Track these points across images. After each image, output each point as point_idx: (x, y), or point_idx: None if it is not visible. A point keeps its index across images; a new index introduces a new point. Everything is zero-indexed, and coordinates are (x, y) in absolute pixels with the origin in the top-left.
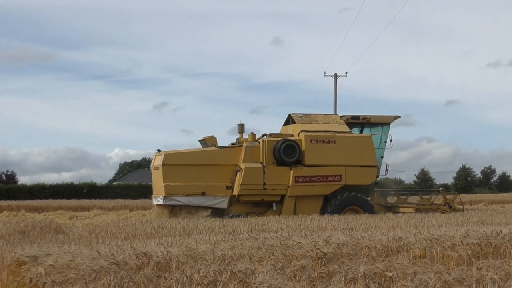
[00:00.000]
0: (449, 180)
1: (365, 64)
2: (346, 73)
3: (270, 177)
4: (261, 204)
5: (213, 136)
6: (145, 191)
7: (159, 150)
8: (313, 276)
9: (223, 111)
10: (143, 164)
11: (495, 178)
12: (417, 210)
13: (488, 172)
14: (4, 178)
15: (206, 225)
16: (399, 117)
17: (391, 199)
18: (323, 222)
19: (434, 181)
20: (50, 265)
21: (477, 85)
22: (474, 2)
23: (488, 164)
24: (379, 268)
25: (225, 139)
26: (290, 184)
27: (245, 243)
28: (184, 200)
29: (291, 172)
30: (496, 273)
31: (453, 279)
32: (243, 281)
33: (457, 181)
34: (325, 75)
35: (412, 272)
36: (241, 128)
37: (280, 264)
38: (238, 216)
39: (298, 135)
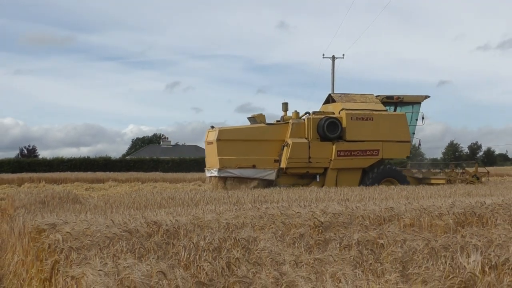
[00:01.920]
0: (438, 155)
1: (362, 47)
2: (343, 55)
3: (314, 151)
4: (305, 176)
5: (261, 113)
6: (156, 165)
7: (212, 127)
8: (310, 243)
9: (230, 91)
10: (154, 140)
11: (481, 153)
12: (448, 182)
13: (474, 148)
14: (26, 152)
15: (212, 196)
16: (429, 96)
17: (420, 172)
18: (320, 193)
19: (424, 156)
20: (67, 232)
21: (467, 67)
22: None
23: (475, 140)
24: (372, 236)
25: (234, 117)
26: (332, 158)
27: (248, 212)
28: (236, 172)
29: (334, 146)
30: (479, 240)
31: (440, 245)
32: (245, 247)
33: (446, 156)
34: (323, 57)
35: (402, 239)
36: (285, 106)
37: (280, 232)
38: (286, 186)
39: (339, 113)
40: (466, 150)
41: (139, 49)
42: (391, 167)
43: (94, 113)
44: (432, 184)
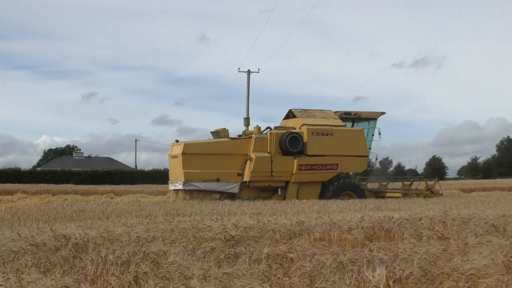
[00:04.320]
0: None
1: (278, 62)
2: (259, 69)
3: (277, 165)
4: (268, 190)
5: (225, 128)
6: (68, 177)
7: (177, 141)
8: (221, 257)
9: (147, 103)
10: (67, 151)
11: (391, 168)
12: (404, 195)
13: (385, 163)
14: None
15: (124, 209)
16: (384, 113)
17: (374, 185)
18: (233, 207)
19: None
20: None
21: (382, 84)
22: (383, 7)
23: (386, 156)
24: (282, 250)
25: (150, 129)
26: (294, 172)
27: (160, 226)
28: (201, 185)
29: (295, 161)
30: (386, 254)
31: (347, 259)
32: (155, 261)
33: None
34: (239, 71)
35: (311, 253)
36: (246, 121)
37: (191, 246)
38: (248, 199)
39: (300, 128)
40: (377, 165)
41: (54, 58)
42: (350, 181)
43: (6, 123)
44: (387, 197)
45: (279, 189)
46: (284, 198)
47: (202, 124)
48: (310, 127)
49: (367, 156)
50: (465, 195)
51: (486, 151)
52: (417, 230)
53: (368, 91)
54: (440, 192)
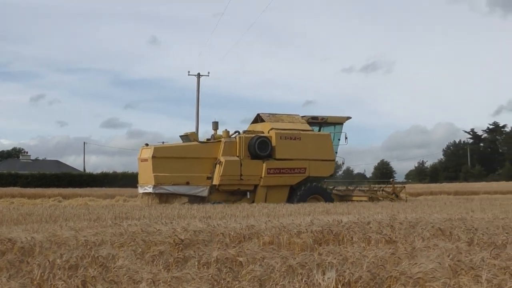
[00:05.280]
0: None
1: (229, 65)
2: (209, 73)
3: (246, 169)
4: (237, 193)
5: (194, 132)
6: (14, 180)
7: (147, 144)
8: (169, 260)
9: (97, 105)
10: (14, 154)
11: (340, 172)
12: (370, 199)
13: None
14: None
15: (72, 213)
16: (350, 118)
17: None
18: (183, 210)
19: None
20: None
21: (332, 88)
22: (334, 13)
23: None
24: (231, 254)
25: (99, 132)
26: (263, 175)
27: (109, 229)
28: (171, 189)
29: (264, 164)
30: (335, 258)
31: (297, 263)
32: (103, 265)
33: None
34: (188, 74)
35: (261, 257)
36: (215, 125)
37: (140, 250)
38: (218, 203)
39: (268, 132)
40: None
41: (2, 59)
42: (317, 185)
43: None
44: (354, 201)
45: (248, 193)
46: (253, 202)
47: (152, 127)
48: (279, 131)
49: (334, 160)
50: (412, 199)
51: (433, 156)
52: (366, 234)
53: (318, 95)
54: (405, 197)
